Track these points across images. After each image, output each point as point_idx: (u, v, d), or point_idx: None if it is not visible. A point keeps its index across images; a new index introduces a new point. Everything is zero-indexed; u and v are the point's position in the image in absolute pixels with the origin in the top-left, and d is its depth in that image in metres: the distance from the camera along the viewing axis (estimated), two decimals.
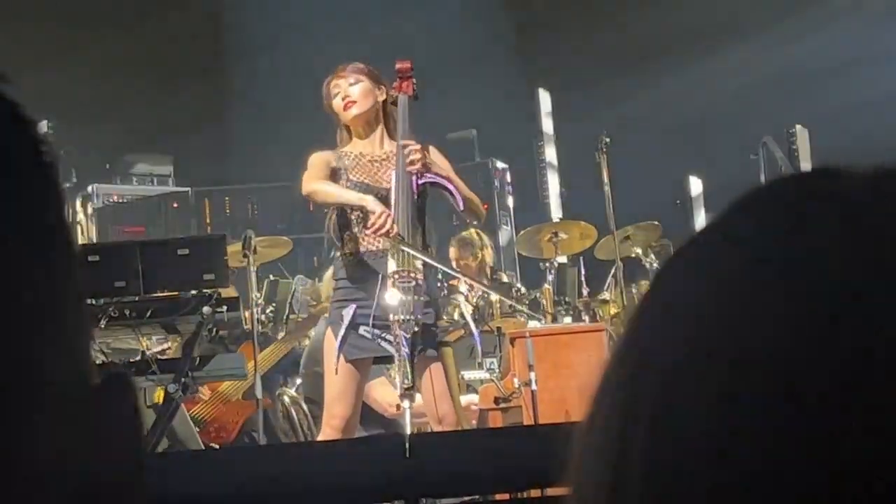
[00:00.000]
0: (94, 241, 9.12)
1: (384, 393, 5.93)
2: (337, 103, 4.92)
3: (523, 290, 7.57)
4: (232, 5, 10.83)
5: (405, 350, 4.52)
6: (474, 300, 7.07)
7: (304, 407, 6.42)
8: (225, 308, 5.18)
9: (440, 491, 3.57)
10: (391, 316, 4.61)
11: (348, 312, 4.73)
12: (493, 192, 9.79)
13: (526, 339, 5.74)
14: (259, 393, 5.95)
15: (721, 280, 0.48)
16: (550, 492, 3.45)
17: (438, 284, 6.16)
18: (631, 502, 0.47)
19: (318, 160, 4.89)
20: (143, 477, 0.54)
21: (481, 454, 2.98)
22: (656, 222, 7.94)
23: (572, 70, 10.92)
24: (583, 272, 8.22)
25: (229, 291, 5.85)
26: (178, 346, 5.91)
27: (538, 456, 2.63)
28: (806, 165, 7.91)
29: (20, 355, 0.50)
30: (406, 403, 4.47)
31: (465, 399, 5.89)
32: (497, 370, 6.21)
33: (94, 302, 5.01)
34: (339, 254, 4.92)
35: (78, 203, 9.24)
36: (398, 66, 5.00)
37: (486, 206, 5.44)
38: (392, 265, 4.68)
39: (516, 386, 5.69)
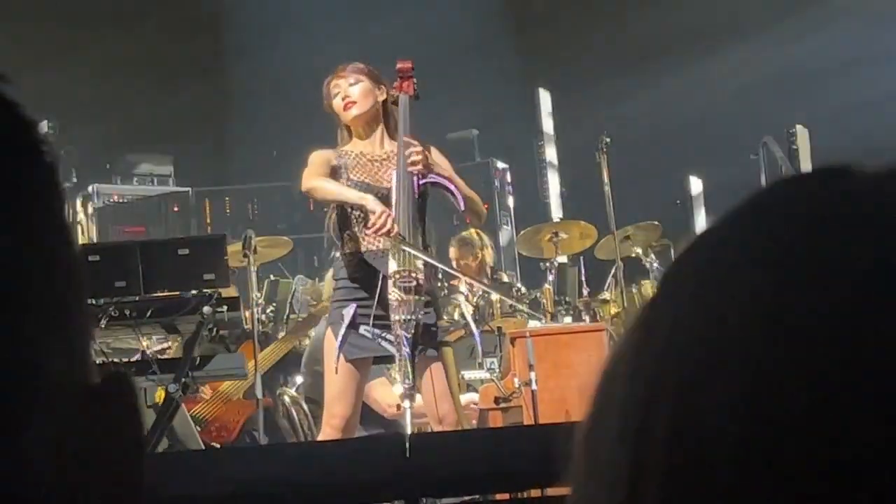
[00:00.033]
0: (94, 241, 9.12)
1: (384, 393, 5.93)
2: (337, 103, 4.92)
3: (523, 290, 7.57)
4: (232, 5, 10.83)
5: (406, 350, 4.52)
6: (475, 300, 7.07)
7: (305, 407, 6.42)
8: (225, 308, 5.18)
9: (440, 491, 3.57)
10: (392, 316, 4.61)
11: (349, 312, 4.73)
12: (493, 192, 9.80)
13: (526, 338, 5.75)
14: (259, 393, 5.95)
15: (733, 281, 0.48)
16: (550, 492, 3.45)
17: (439, 284, 6.16)
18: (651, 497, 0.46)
19: (318, 158, 4.89)
20: (143, 476, 0.54)
21: (481, 454, 2.98)
22: (656, 222, 7.94)
23: (572, 70, 10.92)
24: (583, 272, 8.22)
25: (230, 291, 5.85)
26: (178, 346, 5.91)
27: (538, 456, 2.63)
28: (806, 165, 7.91)
29: (21, 355, 0.50)
30: (406, 403, 4.47)
31: (465, 398, 5.89)
32: (497, 370, 6.21)
33: (94, 302, 5.01)
34: (339, 253, 4.92)
35: (78, 203, 9.24)
36: (399, 65, 5.00)
37: (486, 206, 5.44)
38: (393, 265, 4.68)
39: (516, 386, 5.69)
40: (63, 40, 10.11)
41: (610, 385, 0.51)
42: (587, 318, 7.31)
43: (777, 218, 0.50)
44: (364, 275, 4.77)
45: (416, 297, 4.64)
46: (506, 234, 9.95)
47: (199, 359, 5.19)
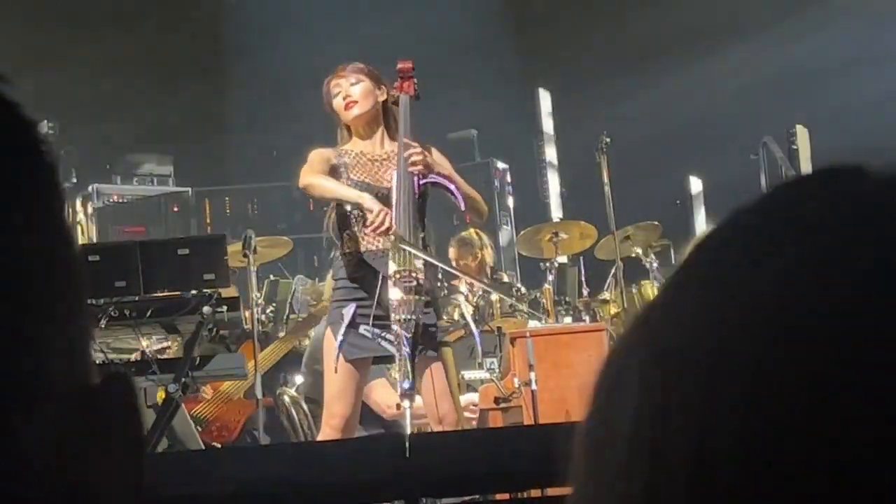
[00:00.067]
0: (94, 241, 9.12)
1: (384, 394, 5.93)
2: (338, 102, 4.92)
3: (523, 290, 7.57)
4: (232, 5, 10.83)
5: (406, 350, 4.52)
6: (475, 300, 7.07)
7: (305, 407, 6.42)
8: (225, 308, 5.18)
9: (440, 491, 3.57)
10: (392, 315, 4.61)
11: (348, 311, 4.73)
12: (493, 192, 9.80)
13: (526, 338, 5.75)
14: (259, 392, 5.95)
15: (733, 282, 0.48)
16: (550, 492, 3.45)
17: (438, 284, 6.16)
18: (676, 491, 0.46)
19: (317, 156, 4.89)
20: (143, 476, 0.54)
21: (481, 454, 2.97)
22: (656, 222, 7.94)
23: (572, 70, 10.92)
24: (583, 272, 8.23)
25: (230, 291, 5.85)
26: (178, 346, 5.91)
27: (538, 456, 2.63)
28: (806, 165, 7.92)
29: (21, 355, 0.50)
30: (406, 403, 4.47)
31: (465, 399, 5.89)
32: (497, 370, 6.21)
33: (94, 302, 5.01)
34: (338, 253, 4.92)
35: (78, 203, 9.25)
36: (399, 65, 5.00)
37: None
38: (393, 265, 4.68)
39: (516, 386, 5.69)
40: (63, 40, 10.11)
41: (608, 386, 0.51)
42: (587, 318, 7.32)
43: (778, 219, 0.50)
44: (364, 275, 4.77)
45: (417, 297, 4.64)
46: (506, 234, 9.95)
47: (199, 359, 5.19)
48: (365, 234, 4.79)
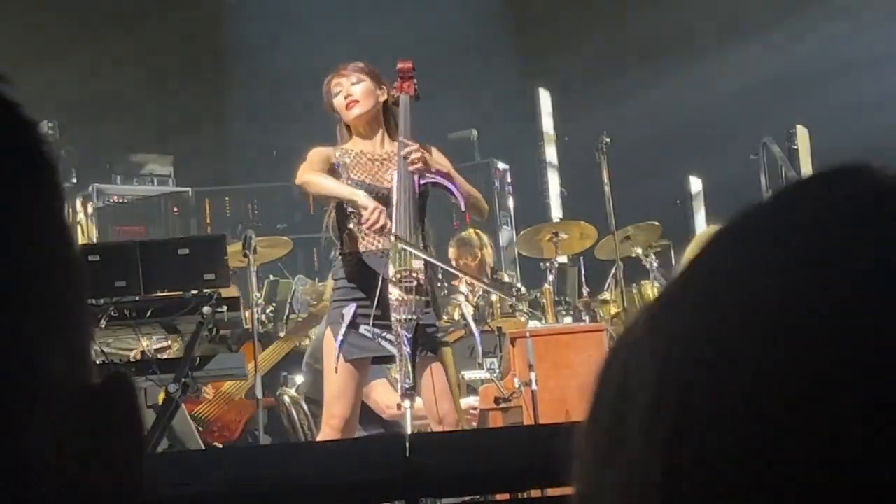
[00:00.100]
0: (94, 241, 9.12)
1: (384, 394, 5.93)
2: (339, 102, 4.92)
3: (523, 290, 7.57)
4: (232, 5, 10.83)
5: (407, 350, 4.52)
6: (475, 300, 7.07)
7: (305, 407, 6.42)
8: (225, 308, 5.18)
9: (440, 491, 3.57)
10: (392, 315, 4.61)
11: (349, 311, 4.73)
12: (493, 192, 9.79)
13: (526, 339, 5.75)
14: (259, 393, 5.96)
15: (734, 284, 0.48)
16: (550, 492, 3.45)
17: (439, 284, 6.16)
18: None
19: (317, 154, 4.89)
20: (143, 476, 0.54)
21: (481, 454, 2.97)
22: (656, 222, 7.94)
23: (572, 70, 10.93)
24: (583, 272, 8.23)
25: (232, 291, 5.85)
26: (178, 346, 5.91)
27: (538, 456, 2.62)
28: (806, 165, 7.92)
29: (21, 355, 0.50)
30: (406, 403, 4.47)
31: (465, 402, 5.89)
32: (497, 370, 6.21)
33: (94, 302, 5.01)
34: (338, 253, 4.91)
35: (78, 203, 9.25)
36: (400, 66, 5.00)
37: None
38: (393, 265, 4.68)
39: (516, 386, 5.69)
40: (63, 40, 10.11)
41: (609, 386, 0.51)
42: (587, 318, 7.32)
43: (779, 220, 0.50)
44: (364, 275, 4.77)
45: (417, 298, 4.64)
46: (506, 234, 9.95)
47: (199, 359, 5.19)
48: (365, 234, 4.79)
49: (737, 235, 0.51)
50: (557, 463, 0.52)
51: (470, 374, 6.30)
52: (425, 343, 4.67)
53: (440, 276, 5.91)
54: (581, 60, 10.90)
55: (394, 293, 4.64)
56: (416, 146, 4.82)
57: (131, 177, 10.38)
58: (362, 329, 4.71)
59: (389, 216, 4.77)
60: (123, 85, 10.52)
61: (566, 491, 0.52)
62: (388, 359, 4.82)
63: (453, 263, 7.20)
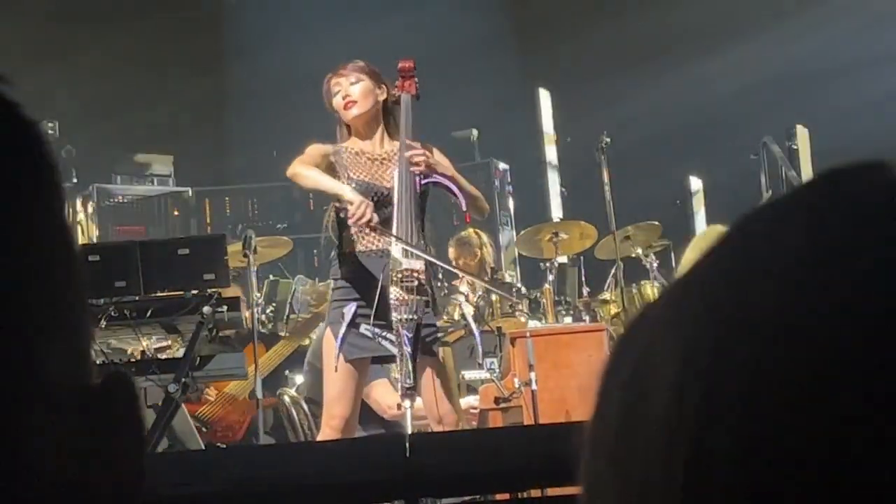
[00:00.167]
0: (94, 241, 9.12)
1: (384, 394, 5.92)
2: (337, 101, 4.92)
3: (523, 290, 7.57)
4: (232, 5, 10.83)
5: (408, 349, 4.52)
6: (475, 300, 7.07)
7: (305, 407, 6.42)
8: (225, 308, 5.18)
9: (440, 491, 3.57)
10: (393, 315, 4.61)
11: (349, 311, 4.72)
12: (493, 192, 9.80)
13: (526, 338, 5.75)
14: (259, 393, 5.96)
15: (735, 285, 0.48)
16: (550, 492, 3.45)
17: (438, 284, 6.16)
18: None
19: (313, 150, 4.89)
20: (143, 476, 0.54)
21: (481, 454, 2.97)
22: (656, 222, 7.94)
23: (572, 70, 10.92)
24: (583, 272, 8.23)
25: (234, 291, 5.85)
26: (179, 346, 5.91)
27: (538, 456, 2.63)
28: (806, 165, 7.92)
29: (21, 355, 0.50)
30: (407, 403, 4.47)
31: (465, 402, 5.89)
32: (497, 370, 6.21)
33: (94, 302, 5.00)
34: (337, 253, 4.91)
35: (78, 203, 9.25)
36: (401, 65, 4.99)
37: None
38: (393, 264, 4.68)
39: (516, 386, 5.69)
40: (63, 40, 10.11)
41: (616, 386, 0.51)
42: (587, 318, 7.32)
43: (781, 220, 0.50)
44: (363, 274, 4.77)
45: (418, 297, 4.64)
46: (506, 234, 9.96)
47: (198, 359, 5.19)
48: (365, 233, 4.79)
49: (740, 235, 0.51)
50: (557, 463, 0.52)
51: (470, 374, 6.30)
52: (425, 343, 4.67)
53: (440, 276, 5.91)
54: (581, 60, 10.90)
55: (394, 293, 4.64)
56: (419, 148, 4.82)
57: (131, 177, 10.39)
58: (362, 328, 4.71)
59: (391, 216, 4.77)
60: (123, 85, 10.52)
61: (566, 491, 0.52)
62: (389, 358, 4.82)
63: (453, 263, 7.20)
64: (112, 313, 5.05)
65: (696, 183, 11.08)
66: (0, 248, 0.50)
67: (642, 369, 0.49)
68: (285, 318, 7.78)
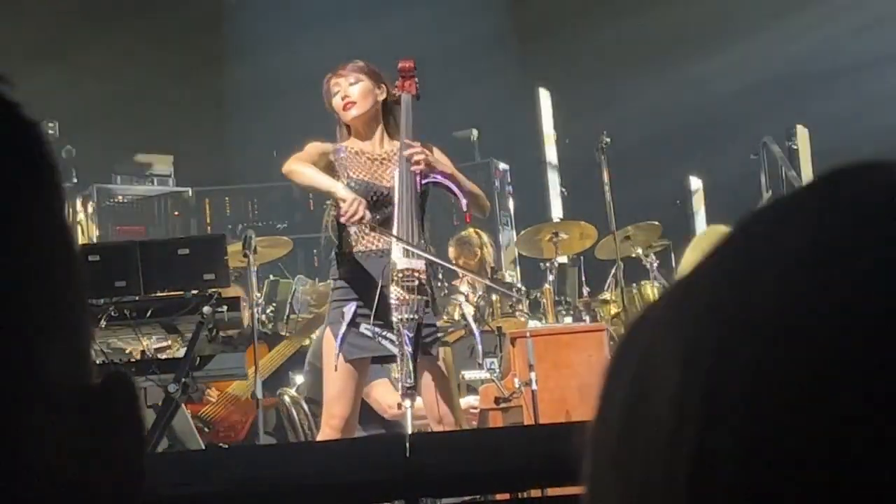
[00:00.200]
0: (94, 241, 9.13)
1: (384, 394, 5.92)
2: (337, 102, 4.92)
3: (524, 290, 7.56)
4: (232, 5, 10.83)
5: (408, 349, 4.52)
6: (475, 300, 7.07)
7: (305, 407, 6.42)
8: (225, 308, 5.18)
9: (440, 491, 3.57)
10: (394, 314, 4.61)
11: (349, 310, 4.72)
12: (493, 192, 9.80)
13: (526, 338, 5.75)
14: (259, 393, 5.96)
15: (735, 287, 0.48)
16: (550, 492, 3.45)
17: (439, 284, 6.17)
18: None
19: (312, 148, 4.89)
20: (143, 476, 0.54)
21: (481, 454, 2.97)
22: (656, 222, 7.94)
23: (572, 70, 10.92)
24: (583, 272, 8.23)
25: (235, 291, 5.85)
26: (179, 346, 5.91)
27: (538, 456, 2.62)
28: (806, 165, 7.91)
29: (21, 355, 0.50)
30: (407, 403, 4.47)
31: (464, 401, 5.89)
32: (497, 370, 6.21)
33: (94, 302, 5.00)
34: (337, 253, 4.91)
35: (78, 203, 9.25)
36: (401, 64, 4.99)
37: None
38: (394, 264, 4.68)
39: (517, 386, 5.69)
40: (63, 40, 10.11)
41: (619, 387, 0.51)
42: (587, 318, 7.32)
43: (782, 220, 0.50)
44: (363, 274, 4.77)
45: (419, 297, 4.64)
46: (506, 234, 9.95)
47: (198, 359, 5.19)
48: (365, 233, 4.79)
49: (742, 236, 0.51)
50: (557, 463, 0.52)
51: (470, 374, 6.30)
52: (425, 343, 4.67)
53: (440, 275, 5.91)
54: (581, 60, 10.90)
55: (395, 292, 4.64)
56: (419, 147, 4.81)
57: (131, 177, 10.38)
58: (362, 328, 4.71)
59: (391, 215, 4.77)
60: (123, 85, 10.52)
61: (566, 491, 0.52)
62: (389, 358, 4.81)
63: (453, 263, 7.19)
64: (112, 313, 5.05)
65: (696, 183, 11.08)
66: (0, 248, 0.50)
67: (643, 371, 0.49)
68: (285, 318, 7.78)
